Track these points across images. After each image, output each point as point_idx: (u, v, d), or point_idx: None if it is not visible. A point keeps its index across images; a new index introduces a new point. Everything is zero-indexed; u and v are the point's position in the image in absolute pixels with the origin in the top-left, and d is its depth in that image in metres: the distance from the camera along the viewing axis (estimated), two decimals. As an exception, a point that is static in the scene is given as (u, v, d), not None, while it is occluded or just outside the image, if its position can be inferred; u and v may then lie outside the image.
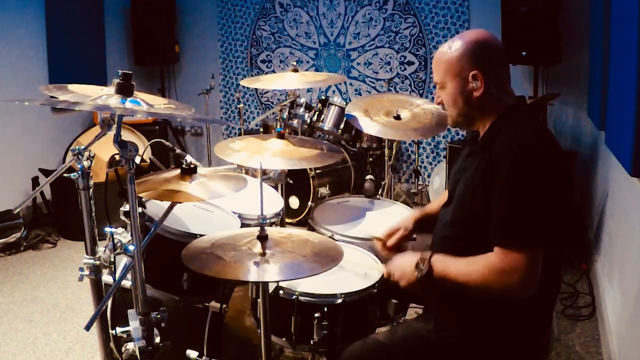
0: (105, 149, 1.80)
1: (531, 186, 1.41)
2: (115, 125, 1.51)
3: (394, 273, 1.63)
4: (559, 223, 1.47)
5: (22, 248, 3.88)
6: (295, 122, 3.81)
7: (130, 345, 1.67)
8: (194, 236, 1.85)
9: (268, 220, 1.58)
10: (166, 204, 1.68)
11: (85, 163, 1.78)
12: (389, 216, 2.45)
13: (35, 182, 4.16)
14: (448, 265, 1.49)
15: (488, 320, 1.53)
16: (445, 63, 1.57)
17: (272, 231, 1.62)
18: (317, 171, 3.76)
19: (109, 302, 2.09)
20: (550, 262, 1.46)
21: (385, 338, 1.64)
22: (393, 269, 1.64)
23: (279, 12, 5.07)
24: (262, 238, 1.53)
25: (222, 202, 2.19)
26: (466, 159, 1.65)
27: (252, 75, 5.21)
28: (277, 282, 1.77)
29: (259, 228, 1.54)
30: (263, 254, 1.49)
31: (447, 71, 1.57)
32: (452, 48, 1.57)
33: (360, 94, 4.91)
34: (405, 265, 1.59)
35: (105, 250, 1.80)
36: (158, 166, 2.05)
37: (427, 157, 4.79)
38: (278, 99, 5.21)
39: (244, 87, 5.15)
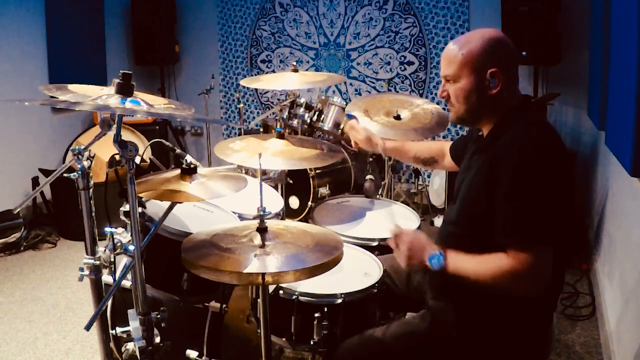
0: (105, 149, 1.79)
1: (537, 184, 1.39)
2: (115, 125, 1.51)
3: (405, 247, 1.56)
4: (564, 221, 1.46)
5: (22, 248, 3.88)
6: (295, 122, 3.80)
7: (130, 345, 1.67)
8: (194, 236, 1.84)
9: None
10: (166, 204, 1.68)
11: (85, 163, 1.77)
12: (389, 216, 2.44)
13: (35, 182, 4.17)
14: (461, 265, 1.48)
15: (487, 319, 1.53)
16: (464, 56, 1.52)
17: (270, 223, 1.61)
18: (317, 171, 3.75)
19: (109, 302, 2.09)
20: (555, 262, 1.46)
21: (381, 334, 1.64)
22: (407, 243, 1.57)
23: (279, 12, 5.07)
24: (262, 230, 1.51)
25: (222, 202, 2.19)
26: (471, 157, 1.64)
27: (252, 75, 5.20)
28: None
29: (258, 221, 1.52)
30: (263, 246, 1.48)
31: (465, 65, 1.52)
32: (472, 42, 1.52)
33: (360, 94, 4.91)
34: (421, 247, 1.54)
35: (105, 250, 1.79)
36: (158, 166, 2.05)
37: (427, 157, 4.78)
38: (278, 99, 5.21)
39: (244, 87, 5.15)
